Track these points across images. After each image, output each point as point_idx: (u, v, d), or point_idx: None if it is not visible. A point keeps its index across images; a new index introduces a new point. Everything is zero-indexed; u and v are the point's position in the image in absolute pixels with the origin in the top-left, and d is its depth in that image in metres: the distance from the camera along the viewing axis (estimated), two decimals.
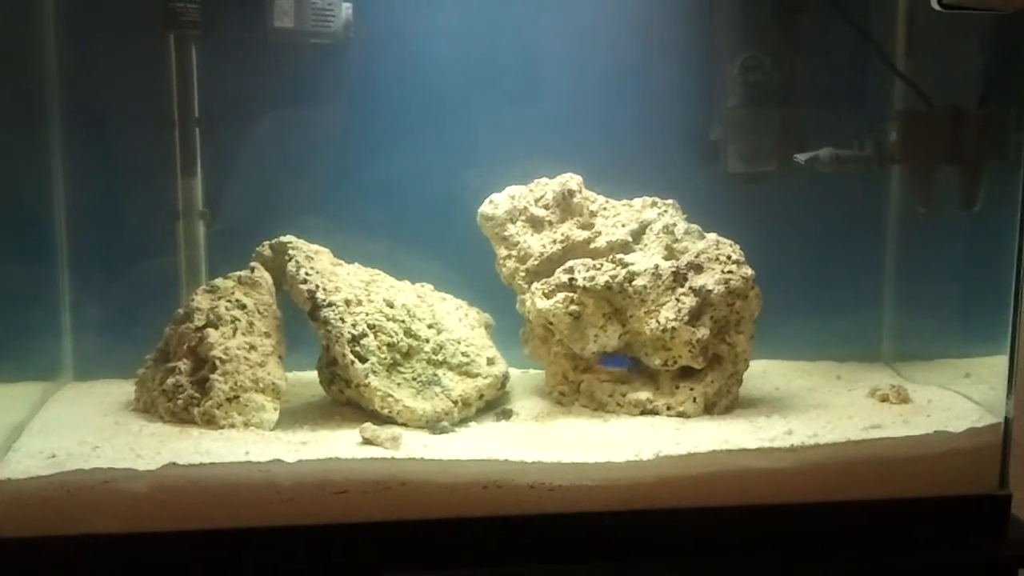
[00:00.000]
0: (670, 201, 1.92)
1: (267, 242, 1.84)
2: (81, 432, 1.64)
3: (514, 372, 1.91)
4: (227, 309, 1.75)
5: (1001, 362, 1.67)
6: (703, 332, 1.74)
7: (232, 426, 1.66)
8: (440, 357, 1.79)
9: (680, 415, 1.75)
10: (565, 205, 1.91)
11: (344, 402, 1.79)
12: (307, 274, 1.76)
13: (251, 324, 1.75)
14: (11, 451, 1.55)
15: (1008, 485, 1.62)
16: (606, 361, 1.82)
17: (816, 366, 2.08)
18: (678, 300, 1.76)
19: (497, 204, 1.91)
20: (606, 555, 1.52)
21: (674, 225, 1.87)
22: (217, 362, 1.69)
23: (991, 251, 1.79)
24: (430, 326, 1.81)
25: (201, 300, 1.76)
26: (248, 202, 1.97)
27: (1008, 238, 1.68)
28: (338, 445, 1.60)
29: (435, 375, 1.77)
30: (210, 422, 1.66)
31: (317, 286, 1.74)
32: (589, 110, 2.02)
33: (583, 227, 1.89)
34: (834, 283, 2.07)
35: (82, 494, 1.45)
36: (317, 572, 1.48)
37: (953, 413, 1.74)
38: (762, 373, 2.01)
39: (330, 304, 1.73)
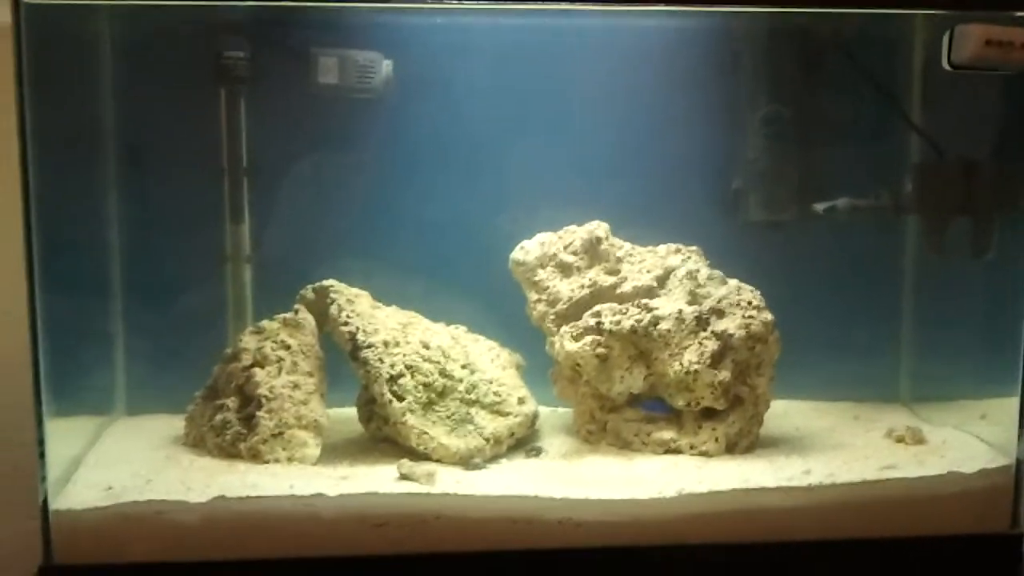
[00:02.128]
0: (693, 248, 1.95)
1: (310, 286, 1.90)
2: (135, 465, 1.70)
3: (543, 411, 1.94)
4: (273, 349, 1.81)
5: (1016, 404, 1.70)
6: (724, 375, 1.78)
7: (277, 461, 1.71)
8: (473, 396, 1.83)
9: (703, 454, 1.79)
10: (593, 251, 1.95)
11: (382, 439, 1.84)
12: (348, 317, 1.82)
13: (295, 364, 1.81)
14: (70, 483, 1.62)
15: (1020, 524, 1.65)
16: (646, 405, 1.86)
17: (835, 406, 2.10)
18: (701, 344, 1.80)
19: (528, 250, 1.95)
20: None
21: (697, 271, 1.90)
22: (263, 400, 1.75)
23: (1005, 295, 1.81)
24: (464, 366, 1.86)
25: (248, 341, 1.83)
26: (292, 246, 2.02)
27: (1020, 282, 1.72)
28: (377, 480, 1.65)
29: (468, 413, 1.81)
30: (256, 457, 1.71)
31: (358, 328, 1.80)
32: (616, 159, 2.06)
33: (610, 273, 1.93)
34: (853, 327, 2.09)
35: (137, 524, 1.51)
36: None
37: (966, 454, 1.76)
38: (783, 413, 2.02)
39: (370, 345, 1.79)
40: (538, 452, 1.84)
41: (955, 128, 1.96)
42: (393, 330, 1.85)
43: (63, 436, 1.67)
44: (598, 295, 1.90)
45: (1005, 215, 1.89)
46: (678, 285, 1.89)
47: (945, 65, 1.67)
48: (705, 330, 1.82)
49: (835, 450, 1.82)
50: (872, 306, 2.12)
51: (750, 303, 1.82)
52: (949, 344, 2.05)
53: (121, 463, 1.72)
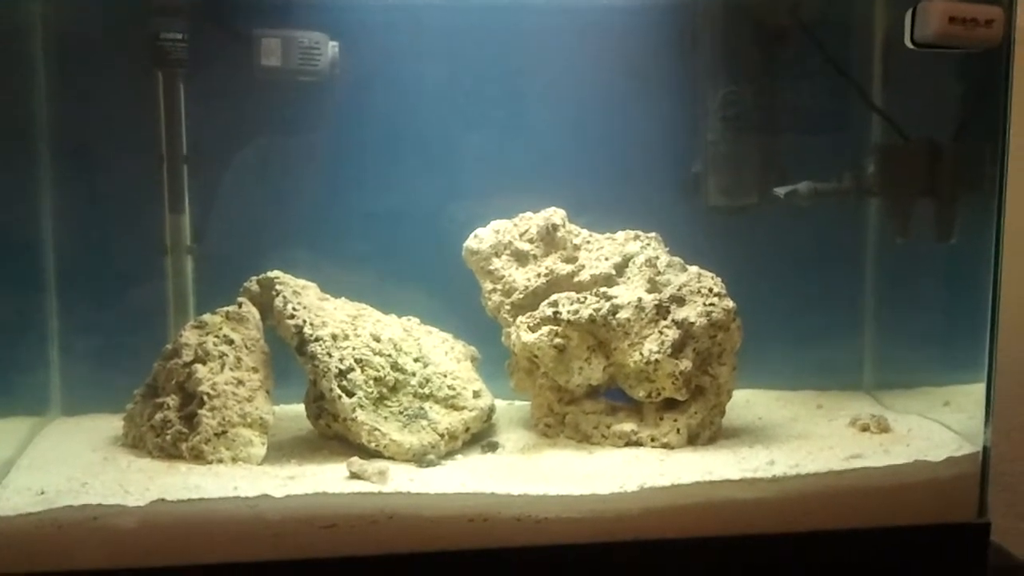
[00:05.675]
0: (652, 234, 1.94)
1: (254, 277, 1.86)
2: (70, 468, 1.65)
3: (500, 404, 1.93)
4: (215, 345, 1.76)
5: (979, 391, 1.69)
6: (686, 364, 1.76)
7: (220, 461, 1.67)
8: (426, 390, 1.81)
9: (664, 446, 1.77)
10: (549, 239, 1.93)
11: (331, 436, 1.80)
12: (294, 309, 1.77)
13: (239, 359, 1.77)
14: (0, 487, 1.56)
15: (987, 513, 1.65)
16: (608, 394, 1.84)
17: (798, 395, 2.11)
18: (661, 333, 1.79)
19: (482, 238, 1.93)
20: None
21: (656, 258, 1.89)
22: (205, 397, 1.70)
23: (969, 280, 1.81)
24: (416, 360, 1.83)
25: (189, 336, 1.78)
26: (235, 237, 1.99)
27: (984, 268, 1.70)
28: (326, 479, 1.61)
29: (421, 408, 1.78)
30: (198, 457, 1.67)
31: (304, 321, 1.76)
32: (573, 144, 2.05)
33: (567, 261, 1.91)
34: (815, 313, 2.09)
35: (71, 530, 1.45)
36: None
37: (932, 442, 1.77)
38: (745, 403, 2.03)
39: (317, 339, 1.74)
40: (494, 447, 1.81)
41: (918, 110, 1.96)
42: (342, 323, 1.81)
43: None
44: (555, 284, 1.88)
45: (969, 198, 1.88)
46: (637, 273, 1.88)
47: (908, 43, 1.67)
48: (665, 318, 1.80)
49: (799, 440, 1.81)
50: (834, 292, 2.12)
51: (711, 290, 1.81)
52: (912, 331, 2.06)
53: (55, 466, 1.67)
